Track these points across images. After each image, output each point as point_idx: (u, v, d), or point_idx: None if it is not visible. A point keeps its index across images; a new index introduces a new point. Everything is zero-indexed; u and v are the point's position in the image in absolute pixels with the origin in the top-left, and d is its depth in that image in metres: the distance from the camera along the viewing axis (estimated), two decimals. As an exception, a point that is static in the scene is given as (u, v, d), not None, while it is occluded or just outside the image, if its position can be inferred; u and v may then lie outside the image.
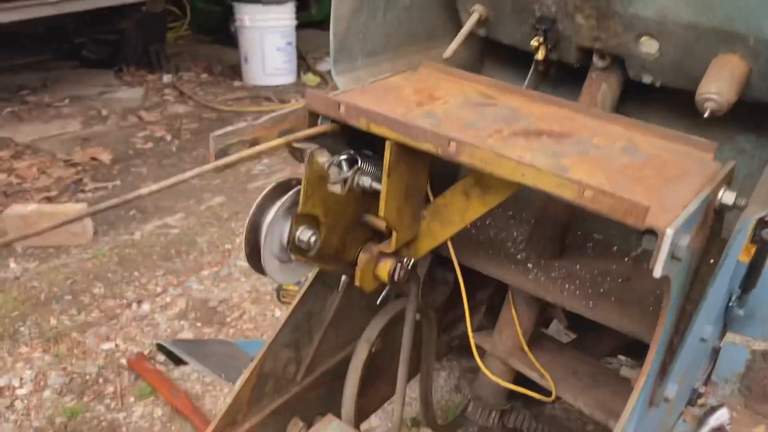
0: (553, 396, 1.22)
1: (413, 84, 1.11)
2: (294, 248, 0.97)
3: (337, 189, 0.97)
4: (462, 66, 1.25)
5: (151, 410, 2.28)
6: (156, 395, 2.32)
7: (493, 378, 1.28)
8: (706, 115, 1.01)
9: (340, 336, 1.27)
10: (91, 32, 5.65)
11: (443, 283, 1.39)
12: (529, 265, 1.21)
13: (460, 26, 1.30)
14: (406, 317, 1.25)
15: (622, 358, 1.58)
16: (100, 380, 2.40)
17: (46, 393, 2.34)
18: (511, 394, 1.34)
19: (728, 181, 0.91)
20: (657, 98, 1.22)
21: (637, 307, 1.11)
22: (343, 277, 1.21)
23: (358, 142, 1.08)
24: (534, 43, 1.18)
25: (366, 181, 1.02)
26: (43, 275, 2.97)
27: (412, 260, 1.07)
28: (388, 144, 0.95)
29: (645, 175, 0.88)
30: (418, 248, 1.08)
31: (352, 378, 1.22)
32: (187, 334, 2.63)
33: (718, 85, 1.01)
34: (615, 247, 1.32)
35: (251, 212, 0.95)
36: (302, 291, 1.15)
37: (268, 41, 5.40)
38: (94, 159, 4.12)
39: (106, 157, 4.15)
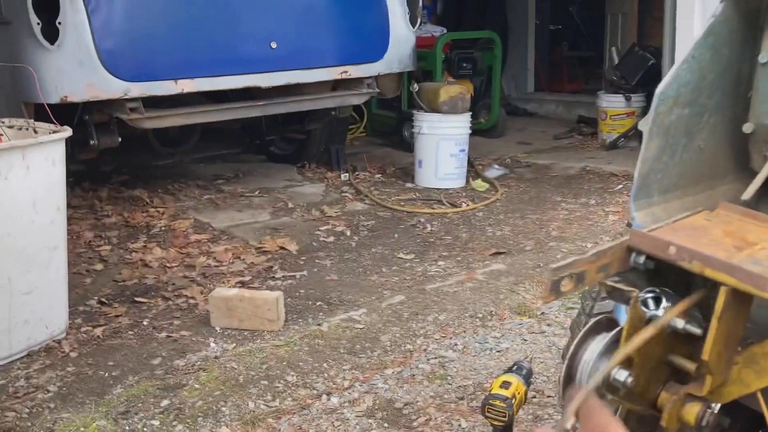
0: None
1: (719, 226, 1.11)
2: (609, 387, 0.99)
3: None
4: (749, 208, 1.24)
5: None
6: (349, 494, 2.34)
7: None
8: None
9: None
10: (282, 131, 6.17)
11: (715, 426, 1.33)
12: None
13: (746, 168, 1.30)
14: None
15: None
16: (295, 470, 2.47)
17: (245, 476, 2.44)
18: None
19: None
20: None
21: None
22: (620, 413, 1.19)
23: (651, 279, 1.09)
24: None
25: (679, 324, 1.02)
26: (241, 358, 3.14)
27: (719, 405, 1.05)
28: (723, 289, 0.95)
29: None
30: (725, 394, 1.05)
31: None
32: (375, 434, 2.66)
33: None
34: None
35: (572, 348, 0.98)
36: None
37: (443, 148, 5.63)
38: (282, 248, 4.40)
39: (293, 247, 4.42)
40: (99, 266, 4.15)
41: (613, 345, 1.00)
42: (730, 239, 1.06)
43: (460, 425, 2.72)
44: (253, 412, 2.77)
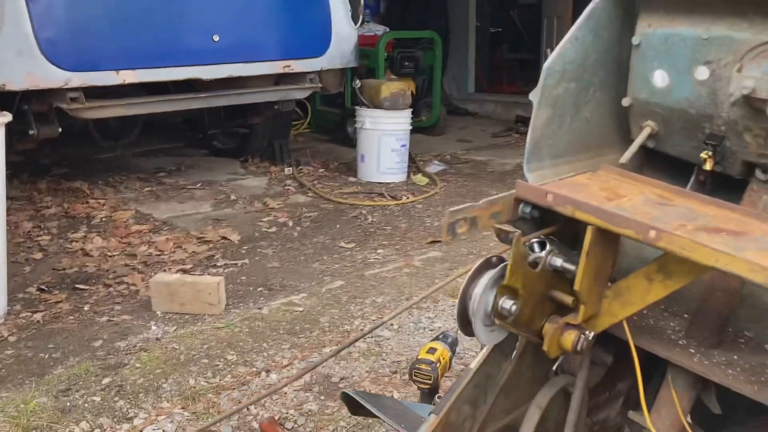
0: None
1: (597, 183, 1.29)
2: (498, 314, 1.14)
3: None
4: (626, 170, 1.43)
5: (281, 473, 2.41)
6: (285, 459, 2.46)
7: None
8: None
9: (508, 402, 1.41)
10: (224, 125, 6.23)
11: (601, 364, 1.51)
12: (691, 350, 1.32)
13: (629, 138, 1.49)
14: (574, 390, 1.37)
15: None
16: (234, 440, 2.57)
17: (186, 446, 2.53)
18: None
19: None
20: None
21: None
22: (516, 348, 1.36)
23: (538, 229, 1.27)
24: (703, 155, 1.35)
25: (558, 262, 1.19)
26: (182, 339, 3.22)
27: (593, 333, 1.22)
28: (590, 229, 1.12)
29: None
30: (598, 324, 1.22)
31: (526, 436, 1.35)
32: (312, 406, 2.78)
33: None
34: (767, 346, 1.41)
35: (464, 284, 1.13)
36: (485, 354, 1.31)
37: (384, 143, 5.79)
38: (224, 238, 4.48)
39: (235, 237, 4.50)
40: (38, 255, 4.15)
41: (499, 279, 1.16)
42: (604, 193, 1.24)
43: (393, 396, 2.87)
44: (194, 388, 2.85)
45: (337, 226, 4.86)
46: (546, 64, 1.33)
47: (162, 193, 5.37)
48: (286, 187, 5.64)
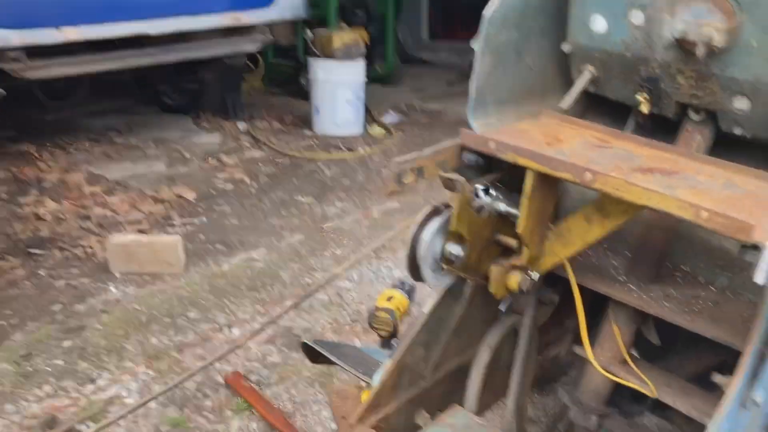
0: (653, 393, 1.38)
1: (539, 128, 1.32)
2: (445, 259, 1.18)
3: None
4: (569, 115, 1.47)
5: (247, 424, 2.47)
6: (251, 410, 2.51)
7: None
8: None
9: (461, 342, 1.47)
10: (174, 81, 6.08)
11: (549, 303, 1.57)
12: (631, 286, 1.39)
13: (571, 82, 1.52)
14: (522, 328, 1.44)
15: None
16: (199, 395, 2.61)
17: (151, 404, 2.56)
18: (608, 403, 1.50)
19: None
20: (747, 148, 1.42)
21: (728, 323, 1.28)
22: (467, 291, 1.41)
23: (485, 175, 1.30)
24: (639, 97, 1.39)
25: (501, 207, 1.23)
26: (142, 299, 3.22)
27: (537, 274, 1.27)
28: (529, 173, 1.16)
29: (746, 204, 1.07)
30: (541, 265, 1.28)
31: (476, 376, 1.41)
32: (275, 358, 2.84)
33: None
34: (701, 278, 1.49)
35: (412, 230, 1.16)
36: (437, 299, 1.36)
37: (339, 94, 5.74)
38: (180, 196, 4.44)
39: (191, 195, 4.46)
40: (-12, 221, 4.06)
41: (446, 225, 1.20)
42: (545, 138, 1.28)
43: (353, 344, 2.94)
44: (157, 347, 2.87)
45: (295, 180, 4.85)
46: (488, 13, 1.34)
47: (114, 153, 5.26)
48: (241, 143, 5.58)
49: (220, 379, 2.68)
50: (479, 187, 1.24)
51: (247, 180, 4.82)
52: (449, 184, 1.20)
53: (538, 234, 1.24)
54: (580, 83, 1.46)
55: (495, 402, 1.64)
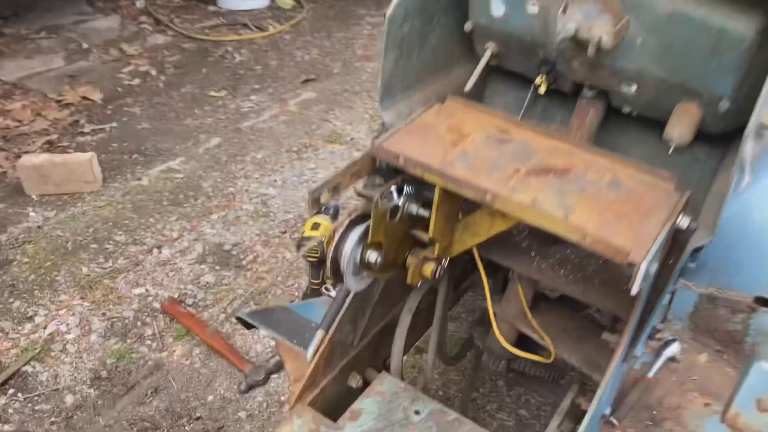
0: (552, 356, 1.60)
1: (444, 122, 1.39)
2: (366, 266, 1.30)
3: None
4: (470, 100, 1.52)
5: (189, 349, 2.62)
6: (191, 335, 2.66)
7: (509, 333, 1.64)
8: (670, 152, 1.35)
9: (383, 308, 1.62)
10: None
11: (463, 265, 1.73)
12: (532, 253, 1.55)
13: (475, 57, 1.56)
14: (438, 294, 1.61)
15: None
16: (138, 324, 2.72)
17: (93, 337, 2.65)
18: (517, 346, 1.72)
19: (686, 208, 1.24)
20: (635, 121, 1.53)
21: (615, 288, 1.46)
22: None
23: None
24: (538, 81, 1.46)
25: (414, 209, 1.33)
26: (65, 224, 3.20)
27: (447, 260, 1.40)
28: (438, 188, 1.25)
29: (626, 210, 1.20)
30: (452, 251, 1.40)
31: (399, 341, 1.58)
32: (208, 278, 2.94)
33: (680, 130, 1.35)
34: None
35: (335, 242, 1.25)
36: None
37: (241, -34, 5.41)
38: (85, 98, 4.25)
39: (97, 96, 4.27)
40: None
41: (366, 234, 1.29)
42: (450, 135, 1.35)
43: (284, 257, 3.07)
44: (88, 276, 2.92)
45: (204, 69, 4.69)
46: (388, 14, 1.35)
47: (3, 46, 4.88)
48: (142, 26, 5.26)
49: (157, 306, 2.78)
50: (393, 188, 1.32)
51: (153, 72, 4.62)
52: (365, 197, 1.27)
53: (448, 231, 1.35)
54: (483, 62, 1.50)
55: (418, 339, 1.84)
